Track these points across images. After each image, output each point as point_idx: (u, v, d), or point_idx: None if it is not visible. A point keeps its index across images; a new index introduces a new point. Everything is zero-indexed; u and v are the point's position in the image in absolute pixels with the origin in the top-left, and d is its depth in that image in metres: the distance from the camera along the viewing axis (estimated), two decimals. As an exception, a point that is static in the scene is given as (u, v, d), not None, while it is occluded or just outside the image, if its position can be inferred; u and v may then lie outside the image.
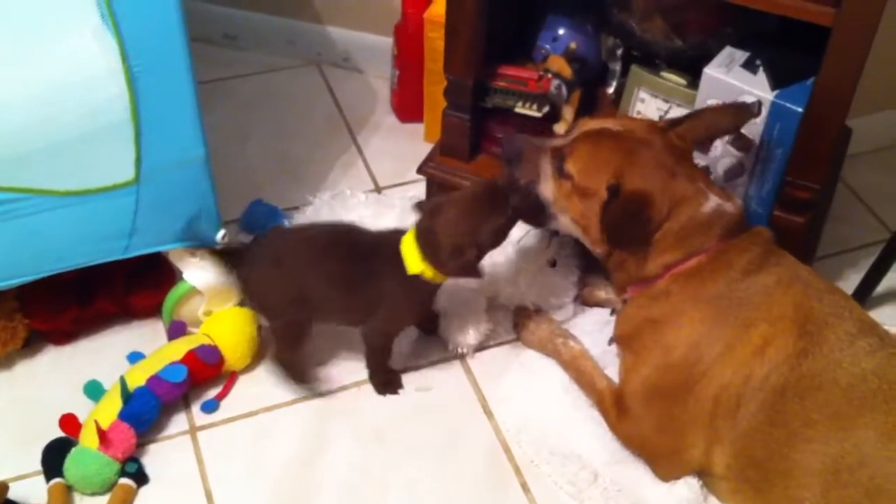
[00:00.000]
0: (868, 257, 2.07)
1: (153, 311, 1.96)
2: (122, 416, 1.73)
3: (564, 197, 1.74)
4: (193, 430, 1.82)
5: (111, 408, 1.74)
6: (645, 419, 1.72)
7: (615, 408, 1.77)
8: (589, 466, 1.76)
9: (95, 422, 1.71)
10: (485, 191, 1.73)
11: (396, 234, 1.77)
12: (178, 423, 1.83)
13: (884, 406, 1.53)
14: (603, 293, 2.04)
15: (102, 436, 1.69)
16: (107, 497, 1.70)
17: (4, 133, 1.59)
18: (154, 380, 1.78)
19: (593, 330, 2.00)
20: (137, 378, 1.78)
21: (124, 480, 1.71)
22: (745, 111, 1.74)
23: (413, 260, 1.72)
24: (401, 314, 1.83)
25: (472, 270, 1.73)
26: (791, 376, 1.57)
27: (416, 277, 1.72)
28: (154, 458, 1.76)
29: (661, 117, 2.09)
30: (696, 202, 1.66)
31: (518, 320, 2.01)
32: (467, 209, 1.71)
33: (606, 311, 2.02)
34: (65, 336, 1.94)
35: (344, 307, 1.81)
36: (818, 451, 1.54)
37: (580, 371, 1.87)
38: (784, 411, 1.57)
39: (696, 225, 1.66)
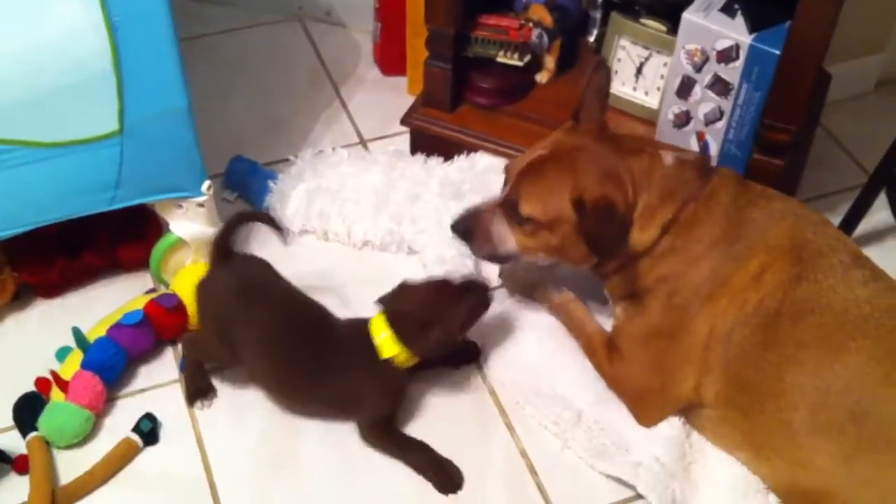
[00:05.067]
0: (847, 201, 2.10)
1: (141, 263, 1.98)
2: (84, 364, 1.75)
3: (532, 241, 1.73)
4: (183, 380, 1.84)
5: (74, 361, 1.77)
6: (637, 359, 1.75)
7: (605, 349, 1.80)
8: (573, 407, 1.79)
9: (53, 373, 1.75)
10: (443, 284, 1.72)
11: (361, 323, 1.72)
12: (169, 373, 1.86)
13: (874, 332, 1.57)
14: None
15: (64, 386, 1.72)
16: (88, 448, 1.73)
17: (-13, 87, 1.60)
18: (113, 328, 1.80)
19: (574, 278, 2.01)
20: (99, 331, 1.81)
21: (132, 435, 1.73)
22: (600, 66, 1.76)
23: (386, 343, 1.67)
24: (378, 403, 1.73)
25: (445, 346, 1.70)
26: (785, 300, 1.61)
27: (388, 362, 1.67)
28: (146, 408, 1.78)
29: (641, 64, 2.11)
30: (656, 162, 1.68)
31: (504, 268, 2.03)
32: (432, 294, 1.69)
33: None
34: (53, 289, 1.96)
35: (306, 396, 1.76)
36: (809, 373, 1.58)
37: (570, 315, 1.90)
38: (777, 334, 1.61)
39: (670, 179, 1.68)
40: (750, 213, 1.67)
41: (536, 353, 1.88)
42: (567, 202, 1.65)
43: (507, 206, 1.73)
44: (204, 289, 1.76)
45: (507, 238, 1.75)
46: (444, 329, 1.66)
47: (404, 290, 1.73)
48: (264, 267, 1.79)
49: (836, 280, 1.61)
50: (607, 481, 1.72)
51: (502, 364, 1.88)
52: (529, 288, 1.98)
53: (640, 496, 1.69)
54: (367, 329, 1.69)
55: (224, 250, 1.76)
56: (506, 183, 1.76)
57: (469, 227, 1.77)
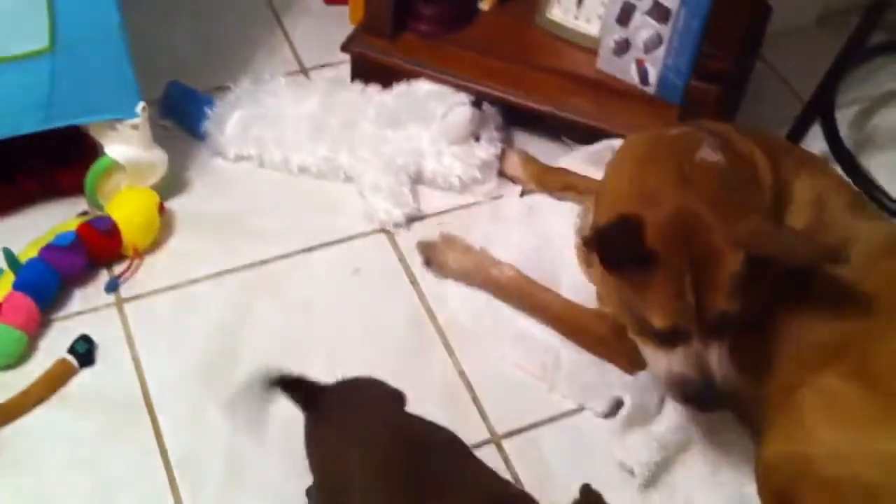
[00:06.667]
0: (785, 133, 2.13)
1: (78, 188, 1.94)
2: (16, 285, 1.74)
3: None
4: (120, 303, 1.84)
5: (6, 282, 1.75)
6: None
7: (603, 325, 1.72)
8: (551, 349, 1.78)
9: None
10: None
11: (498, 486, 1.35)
12: (104, 296, 1.84)
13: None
14: (521, 165, 2.07)
15: None
16: (24, 370, 1.72)
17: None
18: (45, 249, 1.79)
19: (519, 217, 2.02)
20: (30, 253, 1.79)
21: (67, 356, 1.72)
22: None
23: None
24: None
25: None
26: None
27: None
28: (81, 330, 1.77)
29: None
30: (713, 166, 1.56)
31: (431, 255, 1.92)
32: None
33: (527, 198, 2.05)
34: (-13, 213, 1.93)
35: None
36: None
37: (526, 294, 1.83)
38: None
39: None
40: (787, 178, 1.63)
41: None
42: (737, 260, 1.45)
43: (714, 329, 1.49)
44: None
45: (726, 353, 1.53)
46: None
47: None
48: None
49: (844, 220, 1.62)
50: (545, 397, 1.74)
51: (468, 311, 1.86)
52: (468, 273, 1.88)
53: (579, 409, 1.72)
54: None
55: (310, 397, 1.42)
56: (681, 328, 1.48)
57: (717, 393, 1.51)
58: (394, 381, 1.71)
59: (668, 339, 1.50)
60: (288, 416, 1.67)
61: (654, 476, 1.63)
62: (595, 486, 1.61)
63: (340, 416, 1.39)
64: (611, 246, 1.47)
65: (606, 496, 1.61)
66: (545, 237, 1.96)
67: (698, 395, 1.51)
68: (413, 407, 1.66)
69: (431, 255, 1.91)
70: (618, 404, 1.70)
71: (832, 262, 1.51)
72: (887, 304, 1.54)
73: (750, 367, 1.60)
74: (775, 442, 1.52)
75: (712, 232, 1.44)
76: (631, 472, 1.63)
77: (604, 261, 1.49)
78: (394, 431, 1.36)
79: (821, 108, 2.02)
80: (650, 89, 2.06)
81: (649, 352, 1.55)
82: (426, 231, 1.99)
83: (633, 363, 1.71)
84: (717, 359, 1.49)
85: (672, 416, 1.68)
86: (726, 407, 1.65)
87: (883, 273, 1.57)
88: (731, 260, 1.44)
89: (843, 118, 2.18)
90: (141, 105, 1.83)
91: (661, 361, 1.53)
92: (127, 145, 1.87)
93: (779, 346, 1.58)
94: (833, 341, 1.53)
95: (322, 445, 1.39)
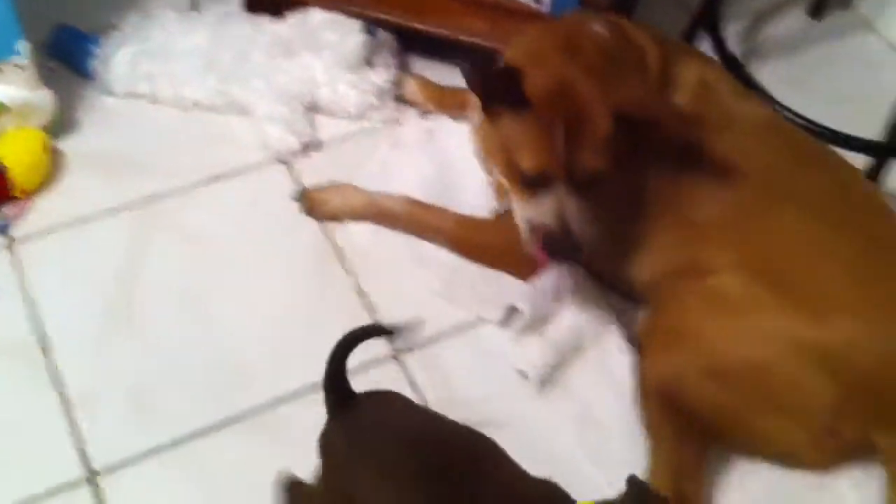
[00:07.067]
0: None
1: (-37, 132, 1.90)
2: None
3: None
4: (11, 244, 1.80)
5: None
6: None
7: (496, 230, 1.76)
8: (449, 264, 1.81)
9: None
10: None
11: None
12: (-5, 240, 1.82)
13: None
14: (419, 89, 2.07)
15: None
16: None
17: None
18: None
19: (419, 141, 2.01)
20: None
21: None
22: None
23: None
24: None
25: None
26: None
27: None
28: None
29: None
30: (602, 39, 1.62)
31: (313, 197, 1.88)
32: None
33: (426, 122, 2.05)
34: None
35: None
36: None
37: (420, 219, 1.83)
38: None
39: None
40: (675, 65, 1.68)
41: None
42: (607, 122, 1.50)
43: (581, 184, 1.53)
44: (322, 444, 1.33)
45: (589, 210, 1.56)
46: None
47: None
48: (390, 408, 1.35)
49: (733, 104, 1.68)
50: (444, 311, 1.76)
51: (367, 234, 1.86)
52: (360, 209, 1.87)
53: (478, 321, 1.75)
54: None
55: (340, 393, 1.33)
56: (548, 175, 1.53)
57: (573, 245, 1.55)
58: (295, 306, 1.74)
59: (535, 184, 1.55)
60: (192, 348, 1.69)
61: (550, 378, 1.67)
62: (496, 394, 1.65)
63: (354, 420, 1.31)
64: (488, 85, 1.52)
65: (507, 404, 1.65)
66: (445, 160, 1.98)
67: (554, 245, 1.56)
68: (315, 329, 1.68)
69: (311, 203, 1.88)
70: (514, 312, 1.73)
71: (680, 127, 1.59)
72: (768, 182, 1.60)
73: (630, 249, 1.67)
74: (657, 357, 1.57)
75: (588, 94, 1.50)
76: (525, 376, 1.66)
77: (482, 99, 1.54)
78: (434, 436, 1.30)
79: (708, 20, 2.04)
80: (544, 7, 2.06)
81: (518, 201, 1.60)
82: (328, 158, 1.98)
83: (528, 271, 1.72)
84: (577, 212, 1.53)
85: (566, 319, 1.71)
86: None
87: (764, 153, 1.63)
88: (603, 121, 1.49)
89: (732, 30, 2.21)
90: (23, 44, 1.78)
91: (525, 210, 1.58)
92: (12, 86, 1.83)
93: (660, 226, 1.64)
94: (715, 220, 1.59)
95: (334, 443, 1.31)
